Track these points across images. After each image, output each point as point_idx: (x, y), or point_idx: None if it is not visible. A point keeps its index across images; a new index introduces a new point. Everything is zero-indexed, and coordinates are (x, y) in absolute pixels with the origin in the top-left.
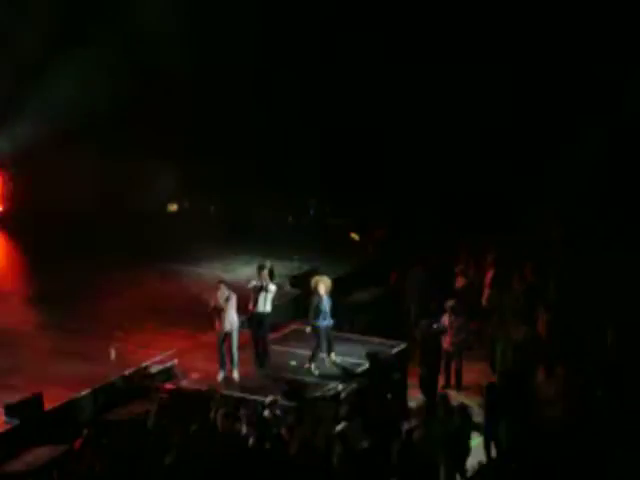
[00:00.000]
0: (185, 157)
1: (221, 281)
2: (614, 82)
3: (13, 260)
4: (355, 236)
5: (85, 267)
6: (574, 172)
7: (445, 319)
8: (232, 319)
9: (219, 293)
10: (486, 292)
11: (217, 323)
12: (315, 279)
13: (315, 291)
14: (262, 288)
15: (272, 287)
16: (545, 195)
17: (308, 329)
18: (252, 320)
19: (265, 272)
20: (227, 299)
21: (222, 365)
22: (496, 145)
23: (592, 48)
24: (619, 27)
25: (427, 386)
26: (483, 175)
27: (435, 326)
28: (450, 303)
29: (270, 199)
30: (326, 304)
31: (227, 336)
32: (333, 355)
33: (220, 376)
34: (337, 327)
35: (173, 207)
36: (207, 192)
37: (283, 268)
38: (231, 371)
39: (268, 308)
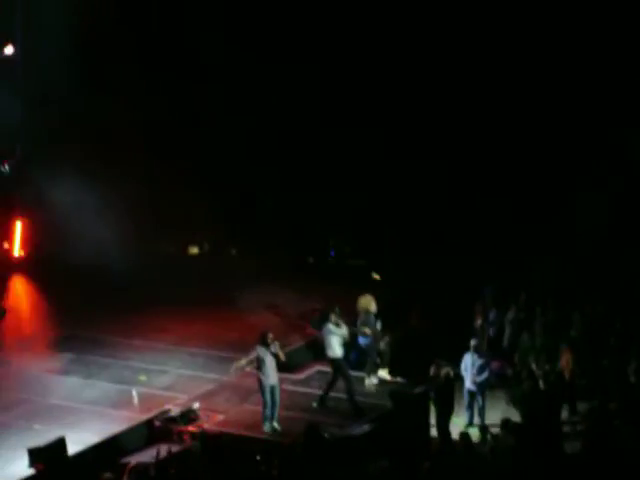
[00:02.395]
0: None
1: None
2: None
3: (37, 305)
4: (376, 276)
5: (109, 311)
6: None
7: (468, 357)
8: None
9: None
10: (507, 331)
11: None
12: (364, 299)
13: (364, 309)
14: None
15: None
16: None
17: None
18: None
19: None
20: (272, 353)
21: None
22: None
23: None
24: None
25: (441, 427)
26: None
27: (445, 370)
28: (473, 342)
29: (290, 241)
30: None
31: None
32: (374, 378)
33: (266, 427)
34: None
35: (194, 250)
36: (228, 234)
37: (303, 308)
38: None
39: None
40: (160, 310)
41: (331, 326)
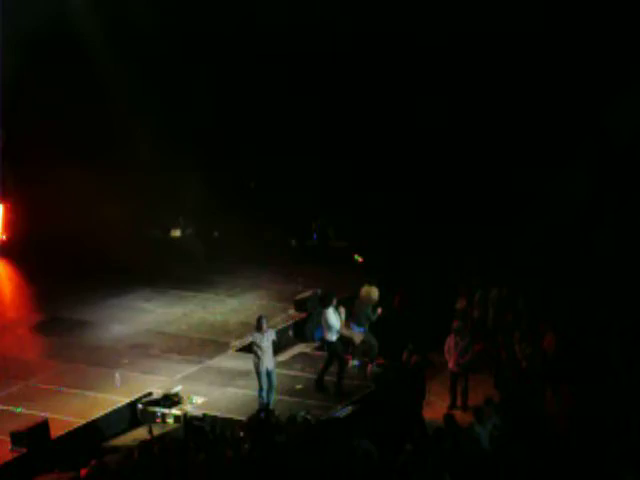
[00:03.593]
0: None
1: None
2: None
3: (18, 289)
4: (359, 258)
5: (90, 294)
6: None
7: (451, 340)
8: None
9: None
10: (490, 313)
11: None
12: (368, 289)
13: (369, 299)
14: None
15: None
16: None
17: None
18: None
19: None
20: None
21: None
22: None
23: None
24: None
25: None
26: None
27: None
28: (456, 324)
29: (274, 222)
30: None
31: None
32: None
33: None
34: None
35: (176, 233)
36: (209, 217)
37: (288, 291)
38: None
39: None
40: (142, 293)
41: (332, 310)
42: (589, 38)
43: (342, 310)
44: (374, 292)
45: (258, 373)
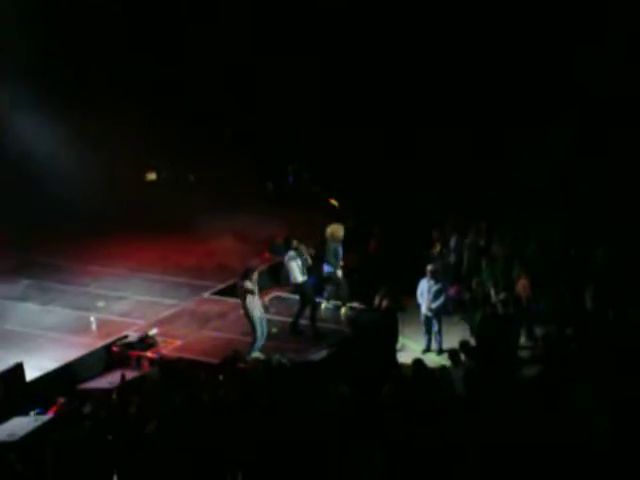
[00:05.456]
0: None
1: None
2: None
3: None
4: (335, 203)
5: (67, 235)
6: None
7: (424, 283)
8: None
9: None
10: (465, 256)
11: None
12: (333, 227)
13: (334, 237)
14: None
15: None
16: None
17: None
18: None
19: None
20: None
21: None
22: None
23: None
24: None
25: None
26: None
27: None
28: (430, 267)
29: (249, 166)
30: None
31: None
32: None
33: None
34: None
35: (151, 176)
36: (185, 159)
37: (262, 234)
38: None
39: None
40: (117, 236)
41: (292, 252)
42: None
43: (308, 250)
44: (339, 230)
45: (254, 321)
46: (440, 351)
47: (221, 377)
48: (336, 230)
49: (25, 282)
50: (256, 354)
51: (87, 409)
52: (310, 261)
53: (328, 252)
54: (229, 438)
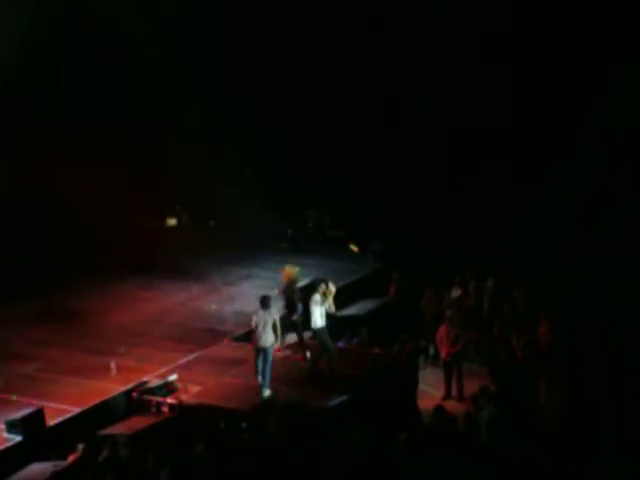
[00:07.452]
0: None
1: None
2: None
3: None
4: (354, 247)
5: (86, 283)
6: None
7: (442, 331)
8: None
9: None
10: (486, 302)
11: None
12: (287, 270)
13: (290, 279)
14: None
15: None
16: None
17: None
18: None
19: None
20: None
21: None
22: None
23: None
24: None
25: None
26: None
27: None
28: (448, 313)
29: (269, 212)
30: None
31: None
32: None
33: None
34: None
35: (172, 221)
36: (206, 206)
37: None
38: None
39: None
40: (138, 281)
41: (318, 297)
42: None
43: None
44: (293, 272)
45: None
46: (460, 398)
47: (244, 424)
48: (291, 272)
49: (48, 326)
50: (267, 392)
51: (104, 455)
52: (334, 308)
53: (289, 294)
54: None
